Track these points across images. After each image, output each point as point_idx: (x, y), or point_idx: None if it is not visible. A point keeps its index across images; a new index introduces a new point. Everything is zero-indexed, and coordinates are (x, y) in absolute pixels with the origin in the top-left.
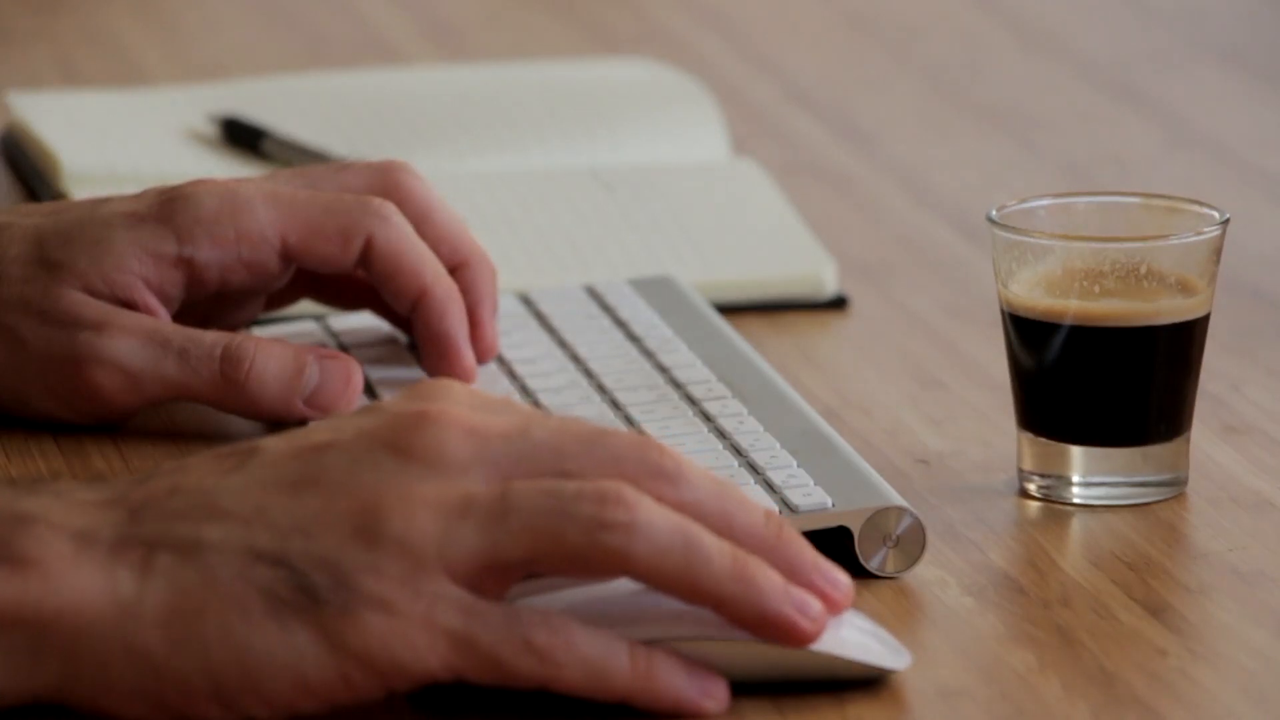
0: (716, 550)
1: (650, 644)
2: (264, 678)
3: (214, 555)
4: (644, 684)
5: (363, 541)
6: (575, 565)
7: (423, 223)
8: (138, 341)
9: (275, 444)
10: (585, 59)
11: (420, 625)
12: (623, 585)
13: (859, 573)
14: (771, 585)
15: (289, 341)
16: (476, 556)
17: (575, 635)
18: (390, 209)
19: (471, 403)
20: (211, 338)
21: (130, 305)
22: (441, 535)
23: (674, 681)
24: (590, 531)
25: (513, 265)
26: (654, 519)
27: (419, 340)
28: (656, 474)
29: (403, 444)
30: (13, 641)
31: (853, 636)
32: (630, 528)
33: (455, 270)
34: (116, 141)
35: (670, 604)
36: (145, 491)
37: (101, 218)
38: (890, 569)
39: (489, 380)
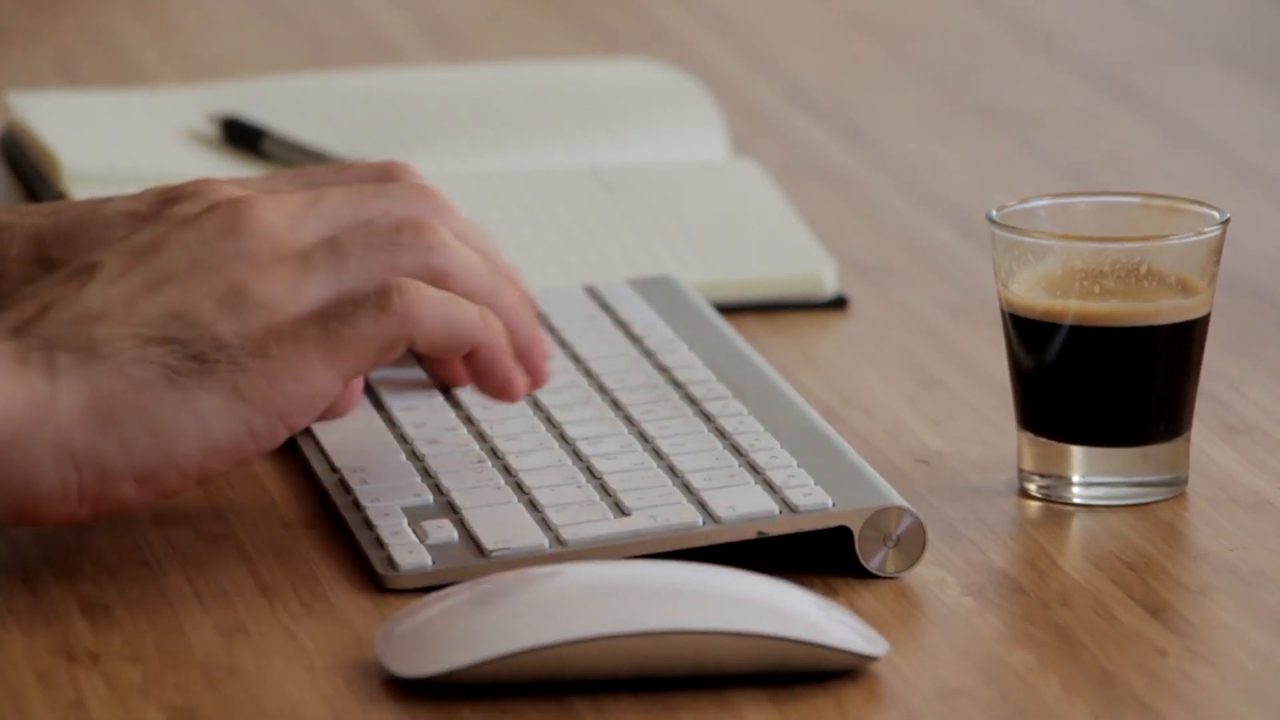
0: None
1: (651, 636)
2: (176, 446)
3: (108, 346)
4: (491, 326)
5: (229, 310)
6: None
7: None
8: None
9: (109, 256)
10: (585, 59)
11: (295, 355)
12: (622, 574)
13: (859, 573)
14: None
15: None
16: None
17: (425, 290)
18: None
19: (256, 186)
20: None
21: None
22: (294, 288)
23: (521, 318)
24: (421, 255)
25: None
26: (452, 239)
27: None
28: (437, 211)
29: (228, 226)
30: None
31: (832, 628)
32: (446, 247)
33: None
34: (116, 141)
35: (666, 596)
36: (16, 316)
37: (102, 218)
38: (890, 569)
39: None
